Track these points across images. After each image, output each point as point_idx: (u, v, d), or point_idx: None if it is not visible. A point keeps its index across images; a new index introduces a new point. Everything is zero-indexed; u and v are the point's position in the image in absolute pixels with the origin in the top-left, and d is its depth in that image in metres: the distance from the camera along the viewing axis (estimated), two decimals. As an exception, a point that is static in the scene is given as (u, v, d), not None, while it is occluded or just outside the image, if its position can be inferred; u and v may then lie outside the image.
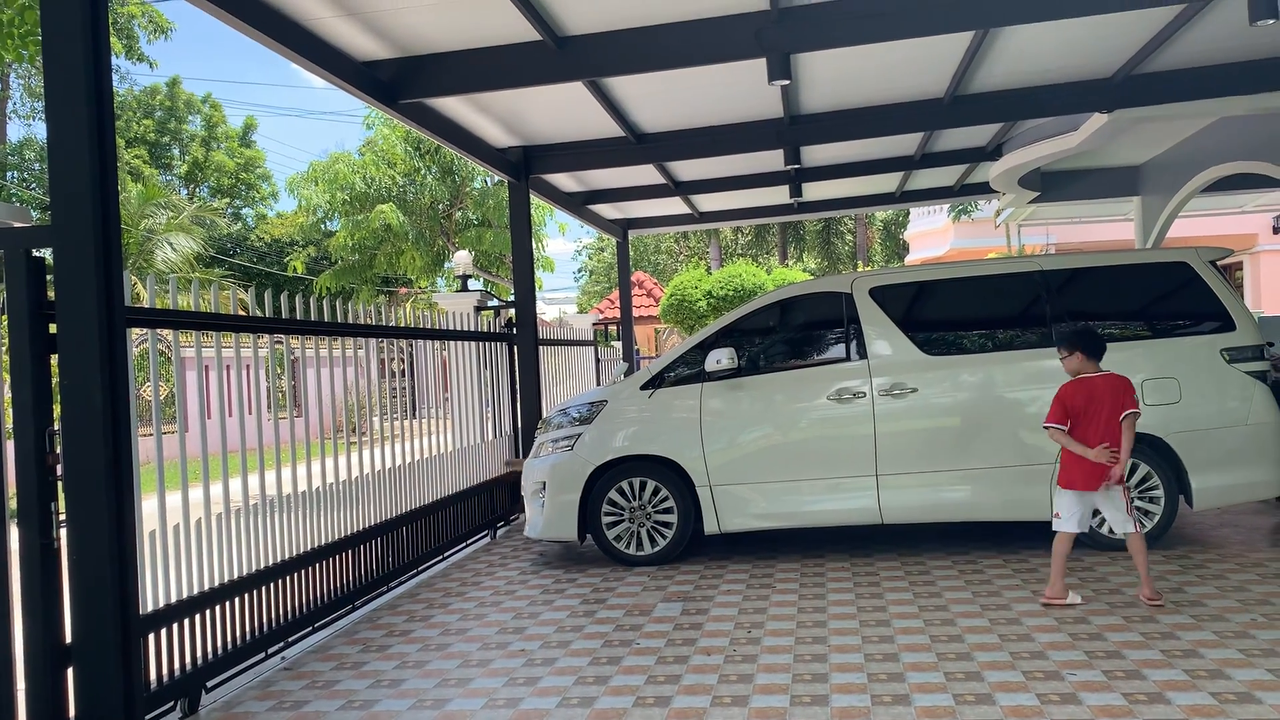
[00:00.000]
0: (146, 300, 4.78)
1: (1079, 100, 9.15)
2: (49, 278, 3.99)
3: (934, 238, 29.05)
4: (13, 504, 3.96)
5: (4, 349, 4.06)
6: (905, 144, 11.37)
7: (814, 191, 13.82)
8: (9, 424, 4.01)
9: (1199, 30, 7.55)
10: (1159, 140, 12.57)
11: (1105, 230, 21.27)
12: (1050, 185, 13.86)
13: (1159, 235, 13.89)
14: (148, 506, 4.56)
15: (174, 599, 4.61)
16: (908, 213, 33.90)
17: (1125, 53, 8.10)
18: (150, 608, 4.40)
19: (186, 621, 4.66)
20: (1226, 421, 6.88)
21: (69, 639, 3.97)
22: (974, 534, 7.62)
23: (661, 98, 8.76)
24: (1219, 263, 7.25)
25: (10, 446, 3.97)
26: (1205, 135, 11.96)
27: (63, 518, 3.94)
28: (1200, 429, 6.83)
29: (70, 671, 3.96)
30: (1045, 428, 5.80)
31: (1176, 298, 7.24)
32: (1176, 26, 7.31)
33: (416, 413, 8.55)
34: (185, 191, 38.68)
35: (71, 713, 3.96)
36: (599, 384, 14.00)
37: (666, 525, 7.28)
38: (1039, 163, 11.72)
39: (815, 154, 11.46)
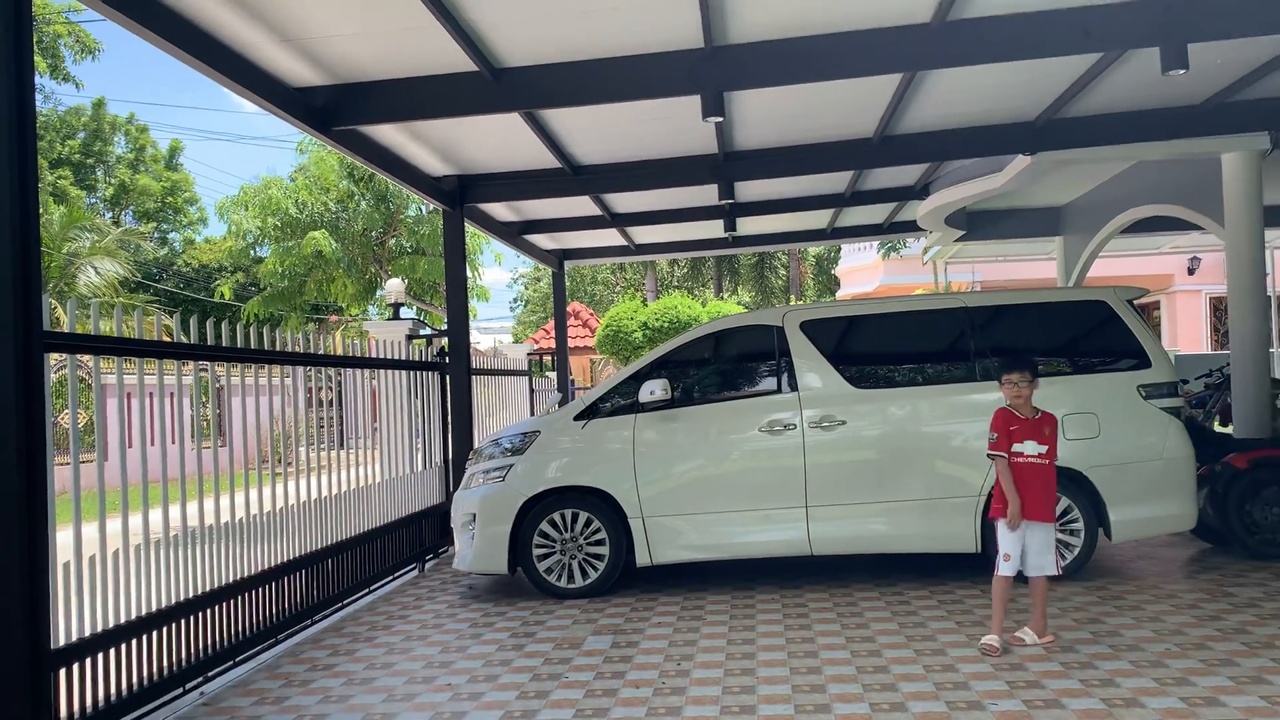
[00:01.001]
0: (66, 325, 4.66)
1: (1002, 142, 9.43)
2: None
3: (864, 273, 29.59)
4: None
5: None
6: (836, 182, 11.59)
7: (748, 226, 14.01)
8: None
9: (1116, 78, 7.85)
10: (1080, 182, 13.00)
11: (1030, 269, 21.86)
12: (976, 224, 14.25)
13: (1080, 274, 14.33)
14: (63, 538, 4.42)
15: (88, 633, 4.47)
16: (839, 248, 34.46)
17: (1047, 97, 8.38)
18: (62, 642, 4.25)
19: (100, 656, 4.52)
20: (1143, 456, 7.07)
21: (-26, 675, 3.82)
22: (901, 566, 7.72)
23: (598, 130, 8.83)
24: (1136, 302, 7.49)
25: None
26: (1124, 178, 12.40)
27: (-29, 549, 3.81)
28: (1118, 463, 7.02)
29: (-25, 709, 3.81)
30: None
31: (1095, 335, 7.46)
32: (1095, 74, 7.60)
33: (344, 443, 8.43)
34: (110, 215, 37.83)
35: (-25, 752, 3.81)
36: (533, 414, 13.94)
37: (598, 557, 7.25)
38: (964, 202, 12.03)
39: (749, 189, 11.63)
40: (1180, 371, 7.73)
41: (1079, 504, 7.01)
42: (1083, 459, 7.00)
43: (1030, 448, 5.56)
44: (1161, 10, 6.29)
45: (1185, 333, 25.03)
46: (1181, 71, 6.43)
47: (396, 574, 8.34)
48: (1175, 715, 4.34)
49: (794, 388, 7.26)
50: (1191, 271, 24.36)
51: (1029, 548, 5.54)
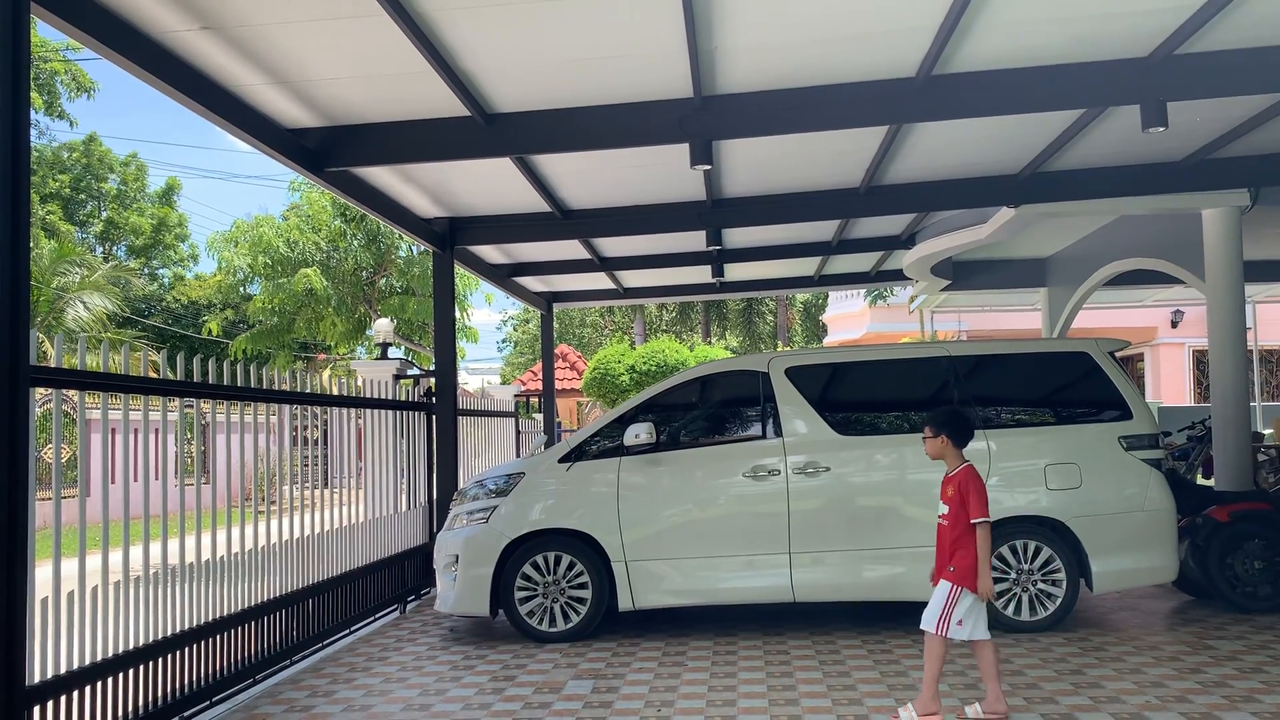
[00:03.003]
0: (53, 359, 4.67)
1: (987, 194, 9.57)
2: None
3: (851, 321, 29.78)
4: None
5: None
6: (823, 230, 11.72)
7: (736, 272, 14.12)
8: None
9: (1098, 134, 8.00)
10: (1064, 235, 13.17)
11: (1015, 319, 22.04)
12: (961, 274, 14.39)
13: (1064, 325, 14.46)
14: (42, 573, 4.40)
15: (64, 670, 4.43)
16: (827, 295, 34.69)
17: (1031, 151, 8.52)
18: (38, 679, 4.22)
19: (76, 694, 4.48)
20: (1124, 507, 7.11)
21: (-53, 711, 3.79)
22: (884, 613, 7.71)
23: (588, 176, 8.93)
24: (1118, 354, 7.57)
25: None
26: (1107, 232, 12.57)
27: (-51, 583, 3.79)
28: (1100, 514, 7.06)
29: (-53, 746, 3.77)
30: (984, 523, 5.06)
31: (1077, 386, 7.53)
32: (1077, 129, 7.74)
33: (329, 482, 8.41)
34: (100, 250, 37.82)
35: (-55, 790, 3.77)
36: (519, 456, 13.92)
37: (581, 601, 7.22)
38: (950, 252, 12.17)
39: (737, 236, 11.74)
40: (1163, 424, 7.82)
41: (1060, 554, 7.03)
42: (1064, 509, 7.04)
43: (940, 507, 5.24)
44: (1142, 69, 6.44)
45: (1168, 385, 25.20)
46: (1161, 129, 6.56)
47: (378, 615, 8.28)
48: (1154, 768, 4.33)
49: (779, 433, 7.29)
50: (1175, 324, 24.58)
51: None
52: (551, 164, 8.52)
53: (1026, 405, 7.53)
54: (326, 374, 24.63)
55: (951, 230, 11.44)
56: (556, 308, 15.93)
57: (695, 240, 11.51)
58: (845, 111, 6.76)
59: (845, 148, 8.25)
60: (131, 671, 4.91)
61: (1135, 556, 7.11)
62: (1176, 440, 12.60)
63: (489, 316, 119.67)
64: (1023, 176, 9.16)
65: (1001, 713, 5.00)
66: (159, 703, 5.12)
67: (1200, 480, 11.04)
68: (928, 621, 5.08)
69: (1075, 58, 6.41)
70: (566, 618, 7.23)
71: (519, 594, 7.22)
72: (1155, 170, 9.07)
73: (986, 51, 6.28)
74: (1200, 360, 24.78)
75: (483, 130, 7.00)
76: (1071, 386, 7.57)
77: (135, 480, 5.25)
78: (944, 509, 5.20)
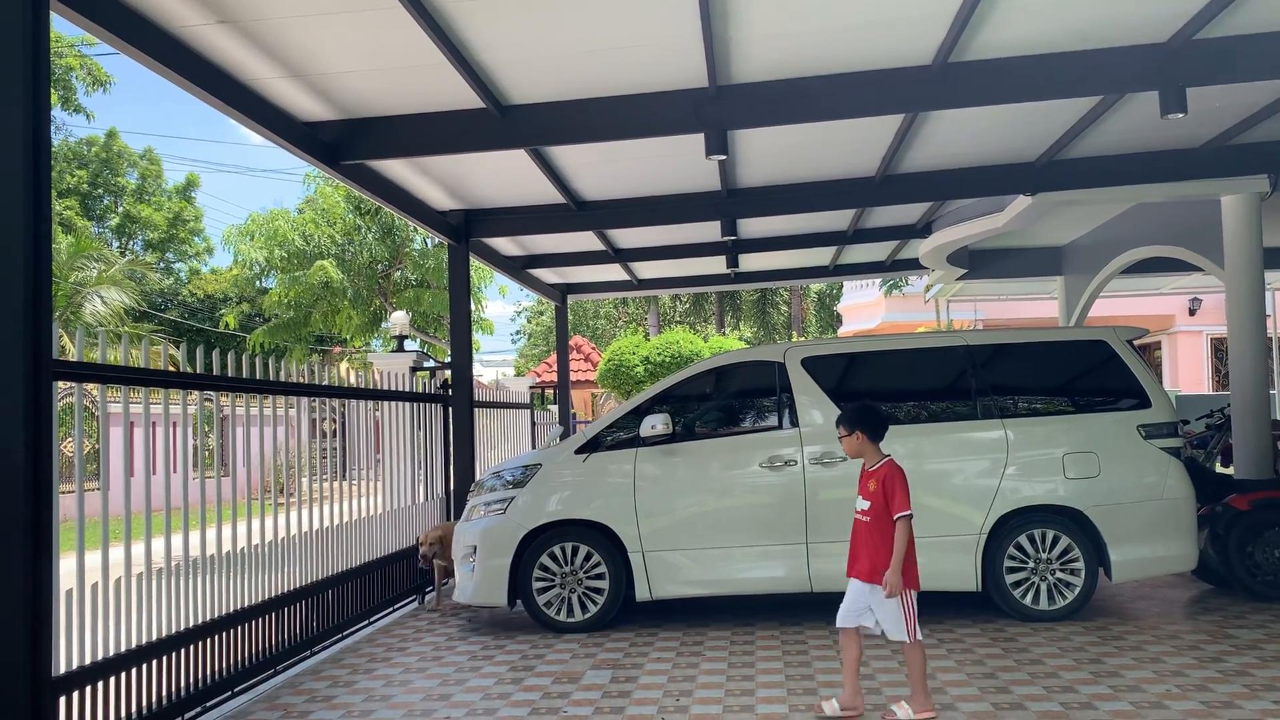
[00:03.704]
0: (73, 354, 4.70)
1: (1004, 182, 9.52)
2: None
3: (866, 310, 29.67)
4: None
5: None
6: (838, 219, 11.69)
7: (750, 262, 14.09)
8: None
9: (1116, 120, 7.94)
10: (1081, 223, 13.08)
11: (1031, 308, 21.92)
12: (978, 263, 14.32)
13: (1081, 314, 14.38)
14: (66, 565, 4.43)
15: (88, 661, 4.48)
16: (841, 285, 34.58)
17: (1048, 139, 8.47)
18: (63, 669, 4.26)
19: (100, 684, 4.52)
20: (1143, 496, 7.08)
21: (-25, 702, 3.83)
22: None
23: (602, 167, 8.93)
24: (1136, 342, 7.53)
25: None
26: (1124, 219, 12.48)
27: (-25, 575, 3.83)
28: (1118, 503, 7.03)
29: (-26, 736, 3.82)
30: (905, 517, 4.98)
31: (1095, 375, 7.49)
32: (1095, 116, 7.68)
33: (347, 474, 8.45)
34: (117, 244, 38.02)
35: (-26, 779, 3.81)
36: (534, 447, 13.96)
37: (598, 591, 7.24)
38: (966, 241, 12.11)
39: (751, 226, 11.71)
40: (1181, 412, 7.77)
41: (1079, 543, 7.01)
42: (1083, 498, 7.01)
43: (859, 502, 5.17)
44: (1160, 55, 6.39)
45: (1186, 373, 25.05)
46: (1180, 115, 6.51)
47: (396, 606, 8.33)
48: (1175, 756, 4.32)
49: (795, 424, 7.28)
50: (1192, 312, 24.42)
51: (877, 614, 5.05)
52: (566, 155, 8.52)
53: (1044, 394, 7.51)
54: (344, 366, 24.72)
55: (967, 219, 11.38)
56: (571, 299, 15.94)
57: (710, 231, 11.49)
58: (861, 100, 6.73)
59: (860, 136, 8.22)
60: (154, 662, 4.95)
61: (1154, 545, 7.08)
62: (1195, 428, 12.50)
63: (503, 309, 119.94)
64: (1039, 164, 9.11)
65: (930, 713, 4.93)
66: (182, 693, 5.16)
67: (1219, 469, 10.96)
68: (896, 634, 4.97)
69: (1093, 44, 6.36)
70: (584, 608, 7.25)
71: (537, 584, 7.25)
72: (1174, 156, 9.00)
73: (1003, 38, 6.24)
74: (1218, 348, 24.62)
75: (498, 122, 7.01)
76: (1090, 375, 7.53)
77: (155, 473, 5.28)
78: (863, 504, 5.10)
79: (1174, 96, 6.47)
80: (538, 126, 7.08)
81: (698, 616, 7.56)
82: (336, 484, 7.75)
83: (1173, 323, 24.93)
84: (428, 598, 8.63)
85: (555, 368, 17.84)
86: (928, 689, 5.03)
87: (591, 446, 7.46)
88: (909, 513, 4.98)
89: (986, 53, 6.44)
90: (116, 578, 4.76)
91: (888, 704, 5.09)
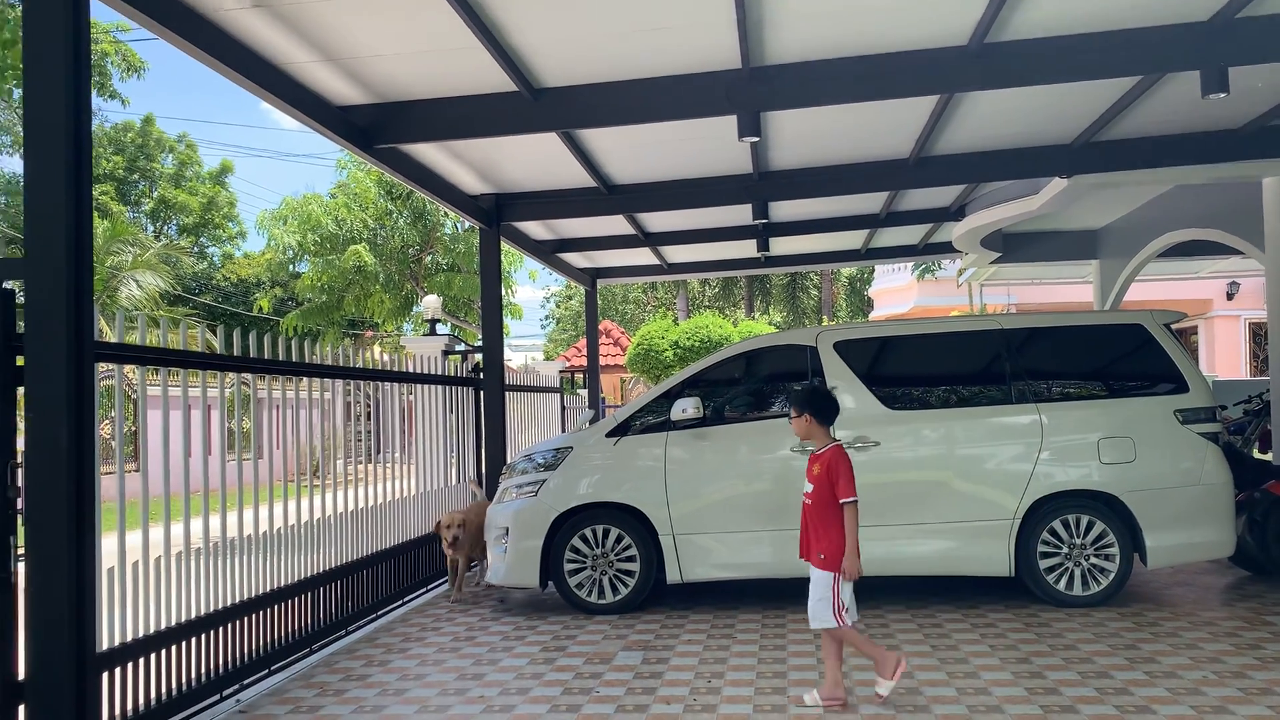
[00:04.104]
0: (114, 337, 4.77)
1: (1039, 165, 9.40)
2: (18, 310, 3.99)
3: (898, 295, 29.48)
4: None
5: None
6: (871, 202, 11.60)
7: (781, 246, 14.02)
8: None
9: (1155, 101, 7.81)
10: (1117, 205, 12.92)
11: (1065, 292, 21.71)
12: (1012, 246, 14.17)
13: (1116, 298, 14.21)
14: (106, 544, 4.51)
15: (130, 637, 4.56)
16: (873, 269, 34.37)
17: (1085, 120, 8.35)
18: (106, 645, 4.34)
19: (142, 661, 4.61)
20: (1180, 482, 7.01)
21: (21, 675, 3.90)
22: (932, 588, 7.68)
23: (634, 150, 8.91)
24: (1173, 326, 7.44)
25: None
26: (1162, 202, 12.31)
27: (20, 552, 3.90)
28: (1154, 488, 6.96)
29: (21, 709, 3.89)
30: (850, 503, 4.92)
31: (1132, 359, 7.41)
32: (1133, 97, 7.57)
33: (380, 456, 8.52)
34: (151, 229, 38.42)
35: (21, 752, 3.89)
36: (564, 431, 14.00)
37: (629, 573, 7.27)
38: (1001, 224, 11.99)
39: (783, 209, 11.65)
40: (1219, 397, 7.65)
41: (1114, 529, 6.95)
42: (1118, 483, 6.95)
43: (806, 484, 5.13)
44: (1202, 34, 6.27)
45: (1223, 358, 24.72)
46: (1222, 95, 6.40)
47: (429, 586, 8.40)
48: (1212, 743, 4.29)
49: (827, 407, 7.24)
50: (1230, 296, 24.06)
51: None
52: (598, 139, 8.51)
53: (1080, 378, 7.44)
54: (377, 349, 24.92)
55: (1002, 201, 11.26)
56: (600, 284, 15.94)
57: (741, 214, 11.44)
58: (896, 81, 6.66)
59: (895, 118, 8.14)
60: (194, 640, 5.03)
61: (1191, 531, 7.01)
62: (1233, 414, 12.33)
63: (532, 294, 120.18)
64: (1076, 146, 8.99)
65: (840, 699, 4.93)
66: (220, 670, 5.25)
67: (1257, 454, 10.82)
68: (821, 621, 4.95)
69: (1133, 23, 6.26)
70: (615, 590, 7.28)
71: (568, 566, 7.29)
72: (1214, 138, 8.85)
73: (1041, 17, 6.15)
74: (1256, 332, 24.27)
75: (530, 105, 7.00)
76: (1126, 359, 7.45)
77: (192, 455, 5.35)
78: (809, 487, 5.08)
79: (1216, 76, 6.36)
80: (570, 109, 7.07)
81: (728, 600, 7.58)
82: (369, 466, 7.83)
83: (1210, 307, 24.60)
84: (448, 588, 8.31)
85: (584, 352, 17.88)
86: (840, 677, 4.99)
87: (622, 430, 7.47)
88: (854, 499, 4.94)
89: (1024, 32, 6.35)
90: (156, 557, 4.84)
91: (876, 687, 5.02)
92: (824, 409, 5.16)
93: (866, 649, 5.03)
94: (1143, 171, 9.46)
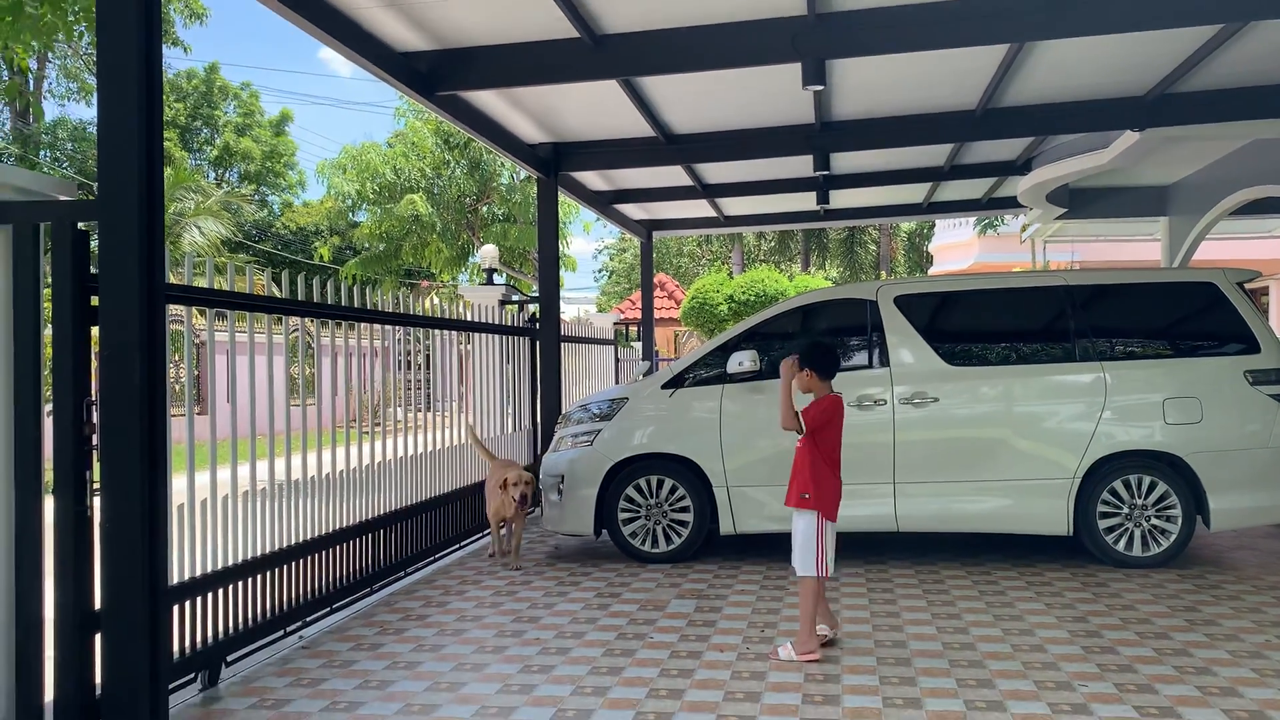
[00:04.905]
0: (182, 281, 4.85)
1: (1111, 117, 9.15)
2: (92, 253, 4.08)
3: (959, 250, 28.95)
4: (48, 473, 4.04)
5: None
6: (935, 154, 11.39)
7: (841, 199, 13.84)
8: (48, 394, 4.09)
9: (1234, 52, 7.54)
10: (1189, 161, 12.53)
11: (1130, 250, 21.16)
12: (1078, 202, 13.83)
13: (1185, 256, 13.84)
14: (176, 484, 4.64)
15: (199, 572, 4.70)
16: (932, 225, 33.79)
17: (1159, 71, 8.09)
18: (177, 579, 4.48)
19: (210, 595, 4.75)
20: (1247, 444, 6.86)
21: (98, 606, 4.04)
22: (987, 545, 7.62)
23: (694, 99, 8.81)
24: (1246, 285, 7.24)
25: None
26: (1236, 157, 11.91)
27: (96, 486, 4.02)
28: (1220, 450, 6.82)
29: (98, 638, 4.03)
30: (804, 437, 5.11)
31: (1201, 318, 7.24)
32: (1212, 47, 7.31)
33: (436, 404, 8.62)
34: (214, 176, 38.98)
35: (97, 678, 4.04)
36: (618, 383, 14.05)
37: (682, 524, 7.32)
38: (1068, 179, 11.71)
39: (844, 161, 11.47)
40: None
41: (1176, 490, 6.84)
42: (1183, 444, 6.82)
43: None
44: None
45: (1295, 320, 24.00)
46: (1307, 45, 6.17)
47: (485, 532, 8.53)
48: (1273, 706, 4.24)
49: (885, 363, 7.19)
50: (1305, 256, 23.29)
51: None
52: (658, 87, 8.43)
53: (1147, 337, 7.29)
54: (435, 297, 25.20)
55: (1070, 155, 10.98)
56: (656, 236, 15.89)
57: (801, 166, 11.29)
58: (966, 29, 6.50)
59: (962, 67, 7.96)
60: (259, 576, 5.16)
61: (1257, 495, 6.88)
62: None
63: (585, 245, 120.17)
64: (1149, 98, 8.73)
65: (813, 655, 4.92)
66: (284, 607, 5.38)
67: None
68: (805, 568, 5.01)
69: (1217, -32, 6.04)
70: (668, 539, 7.34)
71: (622, 515, 7.35)
72: (1296, 90, 8.54)
73: (1119, -37, 5.96)
74: (1331, 295, 23.51)
75: (591, 52, 6.95)
76: (1195, 318, 7.28)
77: (256, 399, 5.45)
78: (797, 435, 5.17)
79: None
80: (631, 56, 7.01)
81: (781, 553, 7.58)
82: (425, 414, 7.92)
83: (1282, 267, 23.85)
84: (491, 551, 7.78)
85: (639, 305, 17.86)
86: (814, 629, 5.00)
87: (677, 382, 7.48)
88: (807, 433, 5.05)
89: (1100, -22, 6.16)
90: (223, 495, 4.96)
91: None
92: (825, 363, 5.21)
93: (817, 611, 5.00)
94: (1219, 125, 9.17)
